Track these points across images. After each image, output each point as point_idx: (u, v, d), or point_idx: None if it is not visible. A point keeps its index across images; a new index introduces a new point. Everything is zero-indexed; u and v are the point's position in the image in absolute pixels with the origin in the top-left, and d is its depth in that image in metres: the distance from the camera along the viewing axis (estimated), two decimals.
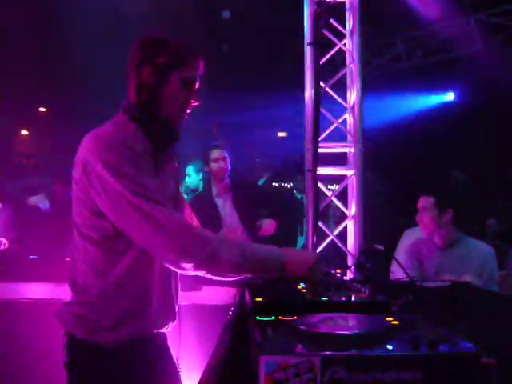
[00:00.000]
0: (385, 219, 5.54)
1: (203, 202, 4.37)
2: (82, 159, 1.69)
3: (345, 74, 3.87)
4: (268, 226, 4.35)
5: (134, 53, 1.80)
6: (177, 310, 1.91)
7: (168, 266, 1.64)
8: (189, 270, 1.61)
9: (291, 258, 1.66)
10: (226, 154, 4.45)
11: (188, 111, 1.84)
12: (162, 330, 1.87)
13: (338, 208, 3.89)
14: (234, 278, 1.67)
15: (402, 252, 3.66)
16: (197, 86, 1.84)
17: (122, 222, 1.64)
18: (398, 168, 8.06)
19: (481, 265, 3.17)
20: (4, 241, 4.73)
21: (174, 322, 1.90)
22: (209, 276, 1.67)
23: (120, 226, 1.65)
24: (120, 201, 1.61)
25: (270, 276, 1.68)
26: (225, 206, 4.38)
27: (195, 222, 2.14)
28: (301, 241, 6.24)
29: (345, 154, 3.86)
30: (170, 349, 1.97)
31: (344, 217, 3.79)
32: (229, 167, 4.46)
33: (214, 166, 4.41)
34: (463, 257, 3.22)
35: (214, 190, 4.44)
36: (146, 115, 1.78)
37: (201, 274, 1.65)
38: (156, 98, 1.77)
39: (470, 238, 3.34)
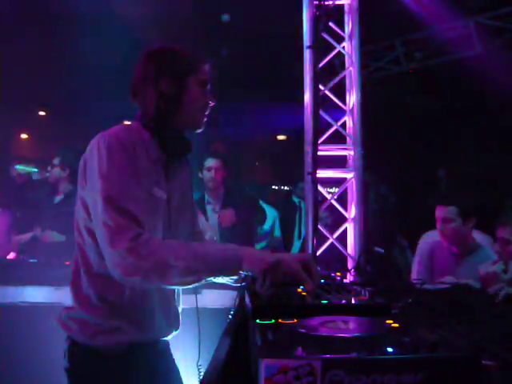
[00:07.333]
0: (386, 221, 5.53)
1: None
2: (84, 157, 1.71)
3: (344, 77, 3.89)
4: (223, 216, 4.25)
5: (145, 65, 1.79)
6: (180, 318, 1.91)
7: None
8: (141, 284, 1.60)
9: (248, 256, 1.56)
10: (220, 164, 4.36)
11: (207, 112, 1.86)
12: (164, 338, 1.87)
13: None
14: (195, 284, 1.60)
15: (418, 254, 3.53)
16: (209, 87, 1.87)
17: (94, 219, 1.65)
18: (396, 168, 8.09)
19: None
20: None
21: (177, 331, 1.90)
22: (168, 286, 1.66)
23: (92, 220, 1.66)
24: (96, 199, 1.61)
25: (229, 275, 1.64)
26: (212, 215, 4.37)
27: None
28: (297, 245, 6.06)
29: (344, 156, 3.88)
30: (173, 355, 1.97)
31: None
32: (222, 176, 4.38)
33: (205, 174, 4.37)
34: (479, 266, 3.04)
35: (206, 197, 4.45)
36: (161, 125, 1.78)
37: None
38: (176, 106, 1.78)
39: (487, 248, 3.23)
